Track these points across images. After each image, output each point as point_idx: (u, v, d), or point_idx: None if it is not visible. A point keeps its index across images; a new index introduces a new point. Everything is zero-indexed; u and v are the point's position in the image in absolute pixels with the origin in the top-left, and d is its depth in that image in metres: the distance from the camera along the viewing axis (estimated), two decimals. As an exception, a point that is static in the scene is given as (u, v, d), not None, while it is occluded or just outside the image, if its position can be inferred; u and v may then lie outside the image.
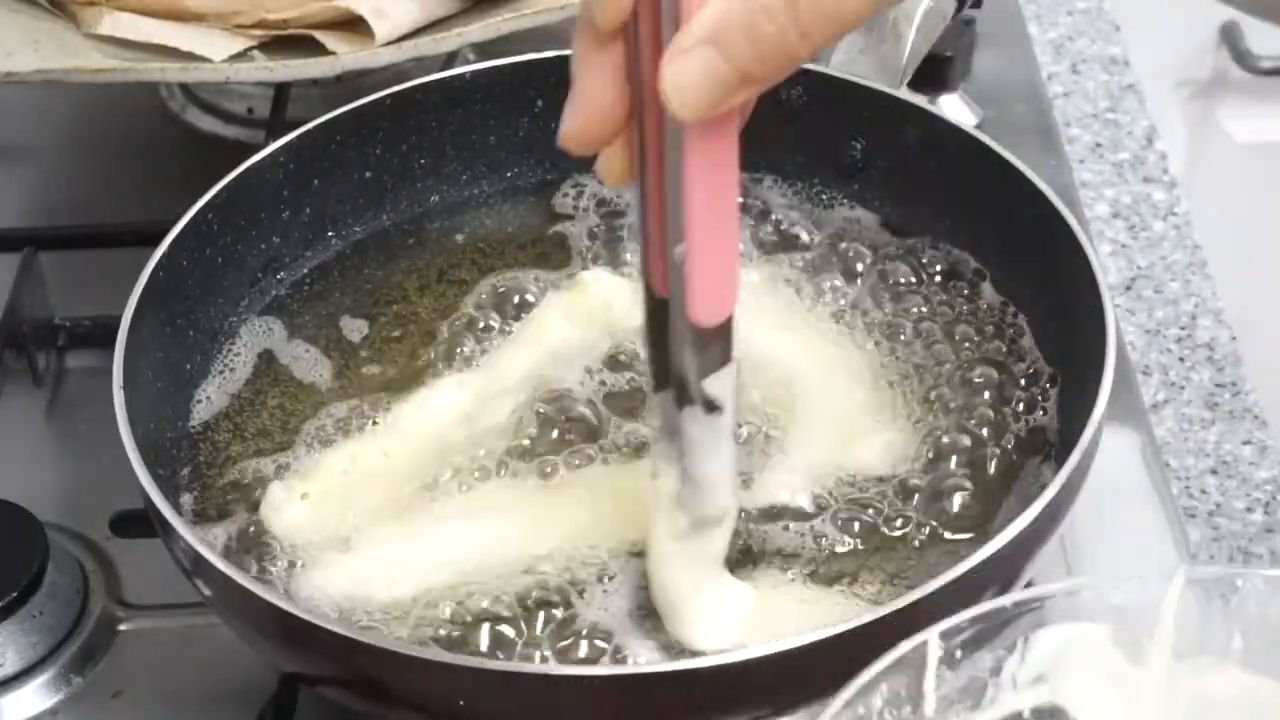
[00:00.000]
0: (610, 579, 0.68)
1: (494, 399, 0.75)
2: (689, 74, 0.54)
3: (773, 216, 0.84)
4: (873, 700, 0.53)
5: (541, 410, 0.75)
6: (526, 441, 0.74)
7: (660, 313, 0.63)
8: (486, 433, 0.74)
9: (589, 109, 0.59)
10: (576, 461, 0.73)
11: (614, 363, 0.77)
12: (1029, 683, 0.56)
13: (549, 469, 0.73)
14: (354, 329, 0.81)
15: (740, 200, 0.84)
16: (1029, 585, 0.70)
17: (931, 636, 0.54)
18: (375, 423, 0.75)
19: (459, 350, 0.78)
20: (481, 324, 0.80)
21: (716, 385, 0.62)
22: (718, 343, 0.61)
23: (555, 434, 0.74)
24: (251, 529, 0.71)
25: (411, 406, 0.76)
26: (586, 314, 0.79)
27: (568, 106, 0.59)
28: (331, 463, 0.74)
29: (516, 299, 0.81)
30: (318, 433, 0.75)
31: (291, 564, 0.70)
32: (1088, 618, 0.56)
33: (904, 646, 0.54)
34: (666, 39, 0.55)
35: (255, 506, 0.72)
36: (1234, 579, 0.55)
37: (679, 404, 0.63)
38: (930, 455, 0.73)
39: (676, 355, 0.62)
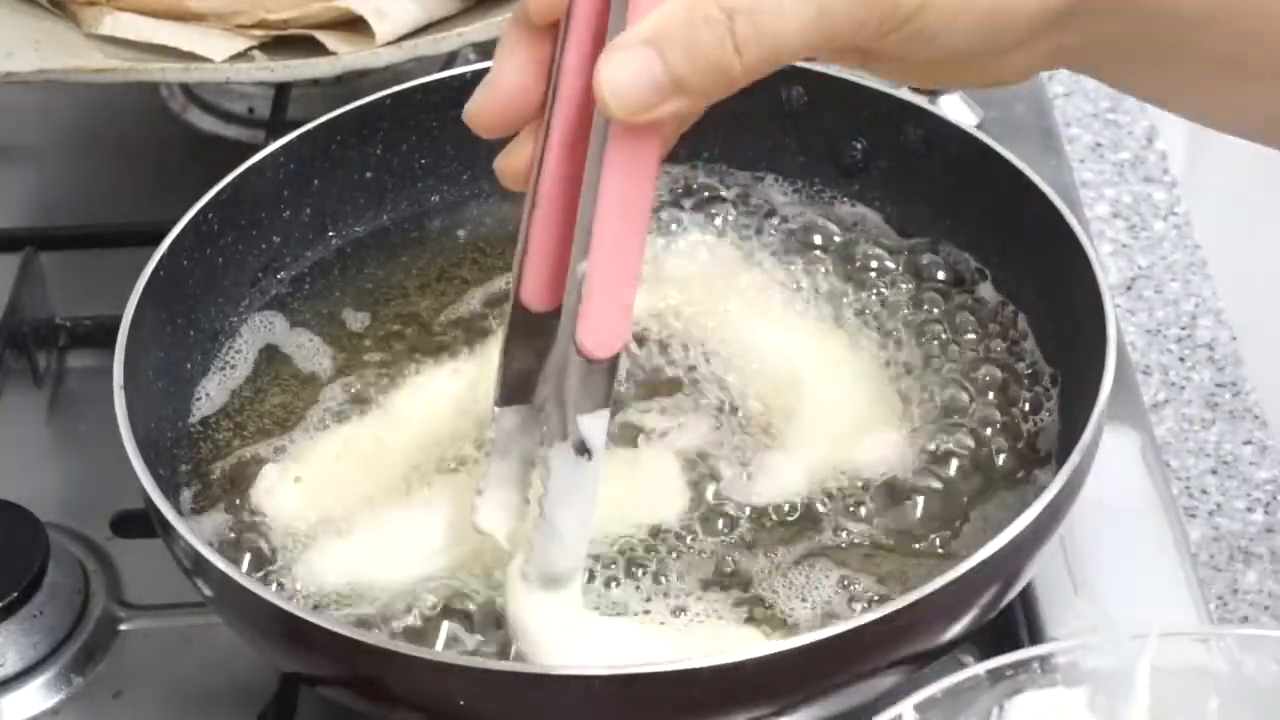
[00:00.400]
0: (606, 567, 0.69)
1: (489, 387, 0.75)
2: (625, 70, 0.55)
3: (773, 215, 0.84)
4: None
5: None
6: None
7: (523, 326, 0.63)
8: (481, 420, 0.74)
9: (501, 90, 0.60)
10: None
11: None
12: None
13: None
14: (354, 328, 0.81)
15: (739, 197, 0.85)
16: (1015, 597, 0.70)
17: (906, 709, 0.54)
18: (370, 409, 0.75)
19: (457, 346, 0.78)
20: (481, 320, 0.80)
21: (591, 427, 0.60)
22: (601, 379, 0.60)
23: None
24: (248, 520, 0.71)
25: (406, 394, 0.76)
26: None
27: (480, 86, 0.61)
28: (324, 447, 0.74)
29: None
30: (317, 423, 0.75)
31: (286, 551, 0.70)
32: (1062, 683, 0.56)
33: (880, 718, 0.54)
34: (611, 39, 0.56)
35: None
36: (1206, 639, 0.55)
37: (548, 440, 0.61)
38: (930, 455, 0.73)
39: (556, 385, 0.60)
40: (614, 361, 0.60)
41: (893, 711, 0.55)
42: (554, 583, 0.63)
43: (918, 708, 0.55)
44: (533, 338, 0.64)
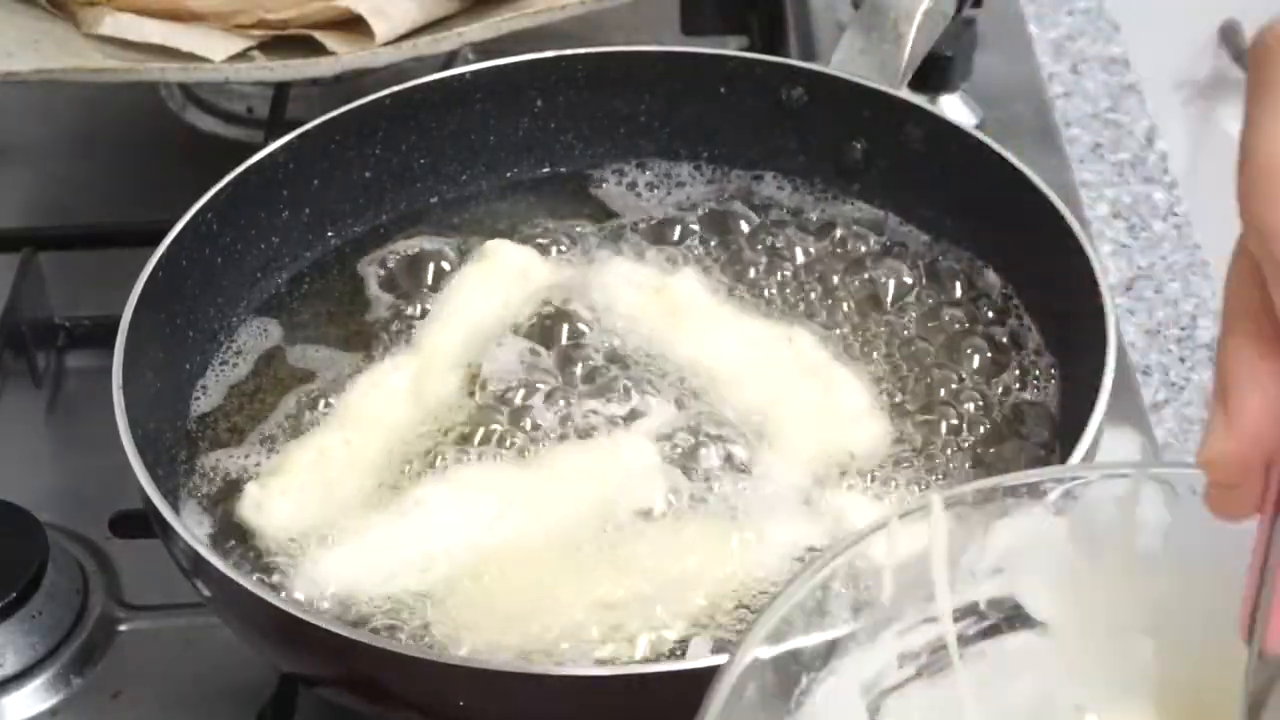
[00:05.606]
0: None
1: (432, 377, 0.76)
2: None
3: (774, 215, 0.84)
4: (832, 583, 0.53)
5: (485, 387, 0.75)
6: (478, 418, 0.74)
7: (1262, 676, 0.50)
8: (436, 412, 0.74)
9: (1249, 431, 0.47)
10: (534, 435, 0.73)
11: (544, 332, 0.77)
12: (986, 574, 0.55)
13: (512, 446, 0.73)
14: (354, 327, 0.81)
15: (739, 197, 0.85)
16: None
17: (891, 523, 0.54)
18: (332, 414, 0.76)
19: (399, 344, 0.79)
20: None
21: None
22: None
23: (508, 408, 0.74)
24: (245, 529, 0.71)
25: (357, 394, 0.76)
26: (503, 282, 0.79)
27: (1215, 422, 0.47)
28: (299, 455, 0.73)
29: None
30: (308, 426, 0.75)
31: (283, 552, 0.70)
32: (1048, 511, 0.55)
33: (864, 531, 0.54)
34: None
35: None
36: (1196, 481, 0.53)
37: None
38: (929, 454, 0.73)
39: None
40: None
41: (876, 522, 0.53)
42: None
43: (902, 519, 0.54)
44: None
